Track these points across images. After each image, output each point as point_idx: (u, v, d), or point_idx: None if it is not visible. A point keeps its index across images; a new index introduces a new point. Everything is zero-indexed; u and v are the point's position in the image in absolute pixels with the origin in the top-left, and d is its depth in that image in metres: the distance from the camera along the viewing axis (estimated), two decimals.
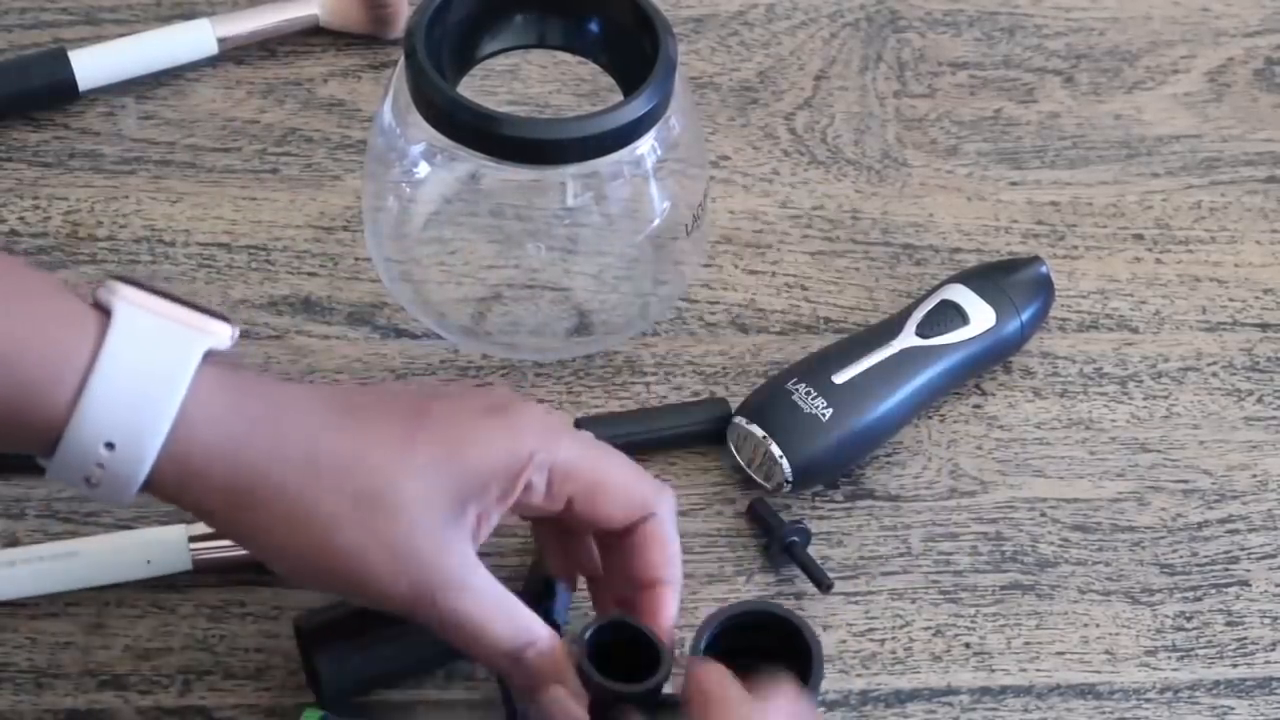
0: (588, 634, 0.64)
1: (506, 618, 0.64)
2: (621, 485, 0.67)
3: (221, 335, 0.61)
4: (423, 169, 0.79)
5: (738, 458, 0.79)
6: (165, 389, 0.59)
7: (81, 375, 0.58)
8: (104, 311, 0.60)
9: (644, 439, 0.79)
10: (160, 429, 0.59)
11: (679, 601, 0.67)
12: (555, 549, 0.71)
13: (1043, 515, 0.79)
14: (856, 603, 0.76)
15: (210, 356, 0.60)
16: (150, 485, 0.60)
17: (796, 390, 0.78)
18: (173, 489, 0.61)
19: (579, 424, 0.79)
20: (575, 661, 0.64)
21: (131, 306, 0.60)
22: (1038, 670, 0.75)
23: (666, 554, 0.67)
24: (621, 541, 0.68)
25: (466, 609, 0.63)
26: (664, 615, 0.67)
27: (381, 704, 0.71)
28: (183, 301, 0.61)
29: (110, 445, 0.59)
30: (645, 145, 0.76)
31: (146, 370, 0.59)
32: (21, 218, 0.85)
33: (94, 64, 0.88)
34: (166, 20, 0.92)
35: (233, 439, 0.61)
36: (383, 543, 0.62)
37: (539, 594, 0.71)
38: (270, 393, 0.63)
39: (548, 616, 0.68)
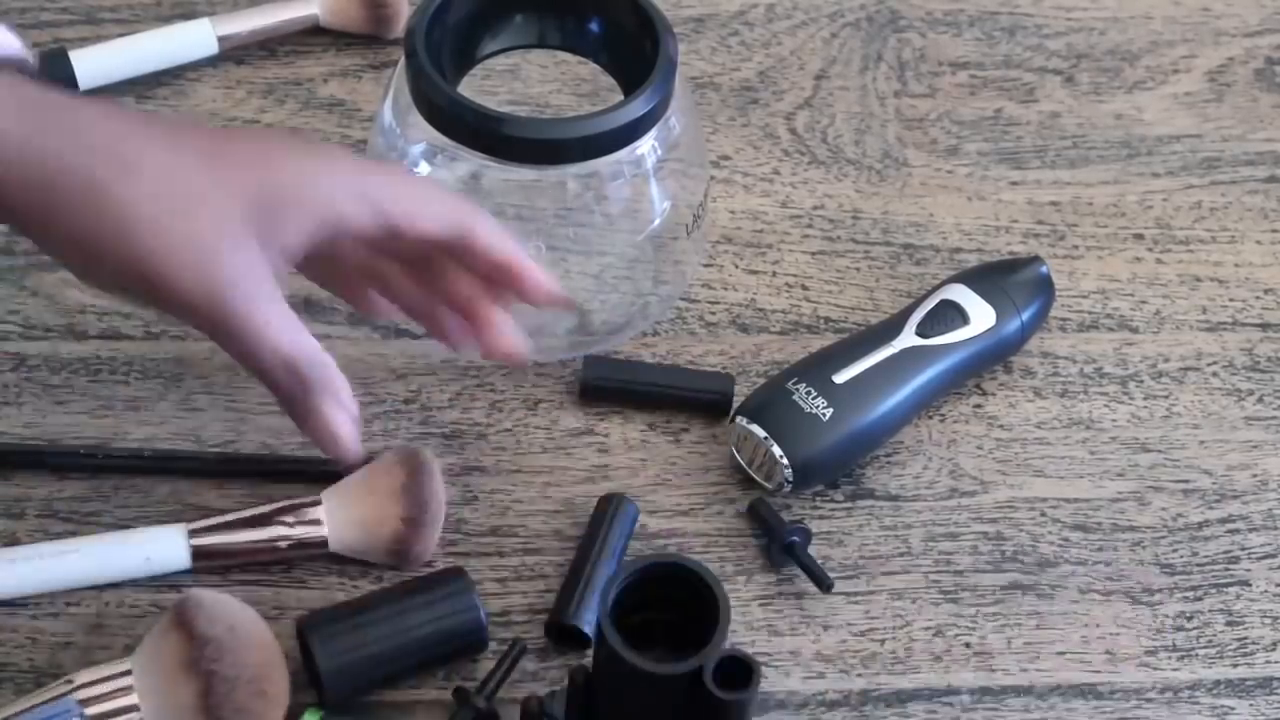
0: (617, 587, 0.63)
1: (292, 327, 0.65)
2: (440, 201, 0.69)
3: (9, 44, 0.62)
4: (423, 169, 0.79)
5: (738, 458, 0.79)
6: None
7: None
8: None
9: (645, 389, 0.80)
10: None
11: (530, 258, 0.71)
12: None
13: (1043, 515, 0.79)
14: (857, 603, 0.76)
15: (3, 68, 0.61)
16: None
17: (797, 390, 0.78)
18: None
19: (587, 361, 0.80)
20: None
21: None
22: (1038, 670, 0.75)
23: (506, 241, 0.70)
24: (448, 258, 0.71)
25: (250, 310, 0.64)
26: (528, 269, 0.71)
27: (381, 704, 0.71)
28: None
29: None
30: (645, 145, 0.76)
31: None
32: None
33: (94, 64, 0.88)
34: (166, 20, 0.92)
35: (32, 132, 0.61)
36: (185, 241, 0.62)
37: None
38: (71, 100, 0.63)
39: (471, 614, 0.71)
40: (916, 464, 0.80)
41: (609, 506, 0.76)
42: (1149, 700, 0.74)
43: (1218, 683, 0.75)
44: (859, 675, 0.74)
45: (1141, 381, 0.84)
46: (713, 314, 0.85)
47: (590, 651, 0.71)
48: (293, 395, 0.66)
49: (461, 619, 0.71)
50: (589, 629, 0.72)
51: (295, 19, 0.91)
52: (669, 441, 0.80)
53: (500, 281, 0.72)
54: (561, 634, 0.73)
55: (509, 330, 0.73)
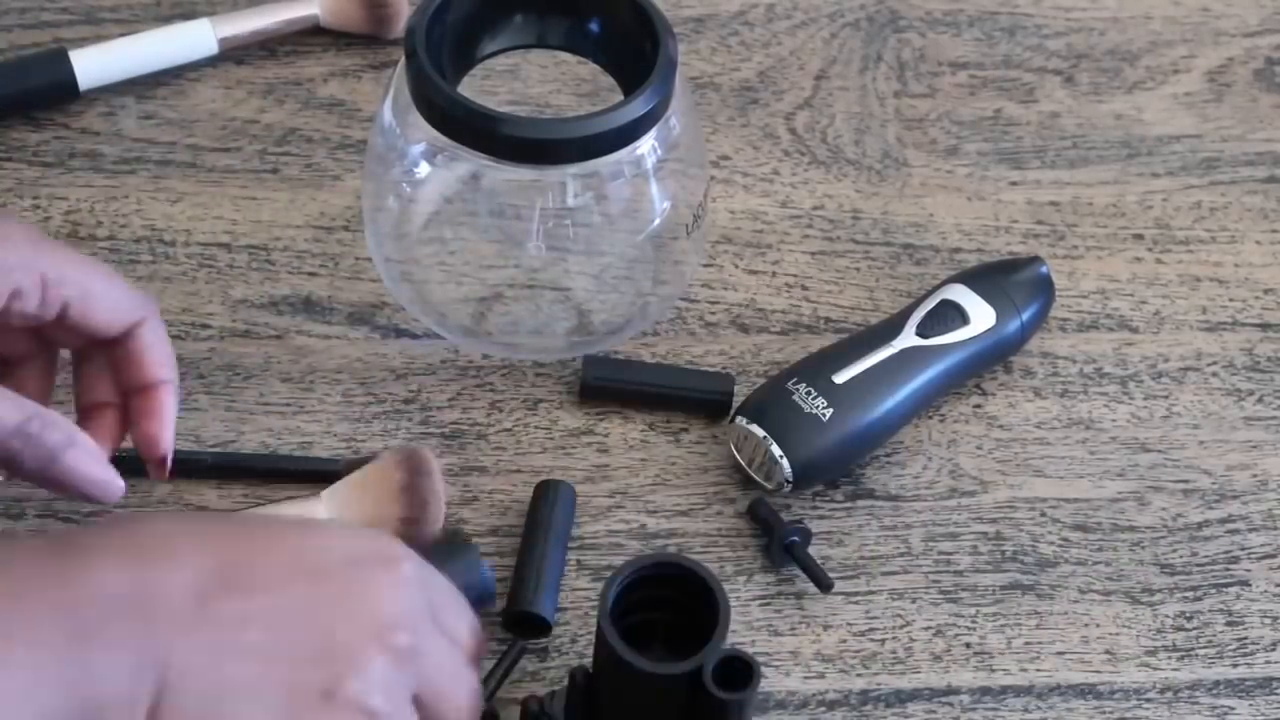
0: (616, 586, 0.63)
1: (4, 397, 0.63)
2: (112, 291, 0.67)
3: None
4: (423, 169, 0.79)
5: (738, 458, 0.79)
6: None
7: None
8: None
9: (645, 389, 0.80)
10: None
11: (178, 400, 0.69)
12: (32, 373, 0.70)
13: (1043, 515, 0.79)
14: (856, 603, 0.76)
15: None
16: None
17: (797, 390, 0.78)
18: None
19: (587, 361, 0.80)
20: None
21: None
22: (1038, 670, 0.75)
23: (164, 353, 0.68)
24: (113, 351, 0.68)
25: None
26: (166, 412, 0.68)
27: None
28: None
29: None
30: (645, 145, 0.76)
31: None
32: (22, 217, 0.85)
33: (94, 64, 0.88)
34: (166, 20, 0.92)
35: None
36: None
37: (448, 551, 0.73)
38: None
39: (473, 574, 0.71)
40: (916, 464, 0.80)
41: (547, 491, 0.76)
42: (1149, 700, 0.74)
43: (1217, 683, 0.75)
44: (859, 675, 0.74)
45: (1141, 381, 0.84)
46: (712, 314, 0.85)
47: (590, 651, 0.71)
48: (34, 461, 0.64)
49: (466, 579, 0.70)
50: (544, 613, 0.72)
51: (295, 19, 0.91)
52: (669, 441, 0.80)
53: (135, 408, 0.69)
54: (518, 622, 0.73)
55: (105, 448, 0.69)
